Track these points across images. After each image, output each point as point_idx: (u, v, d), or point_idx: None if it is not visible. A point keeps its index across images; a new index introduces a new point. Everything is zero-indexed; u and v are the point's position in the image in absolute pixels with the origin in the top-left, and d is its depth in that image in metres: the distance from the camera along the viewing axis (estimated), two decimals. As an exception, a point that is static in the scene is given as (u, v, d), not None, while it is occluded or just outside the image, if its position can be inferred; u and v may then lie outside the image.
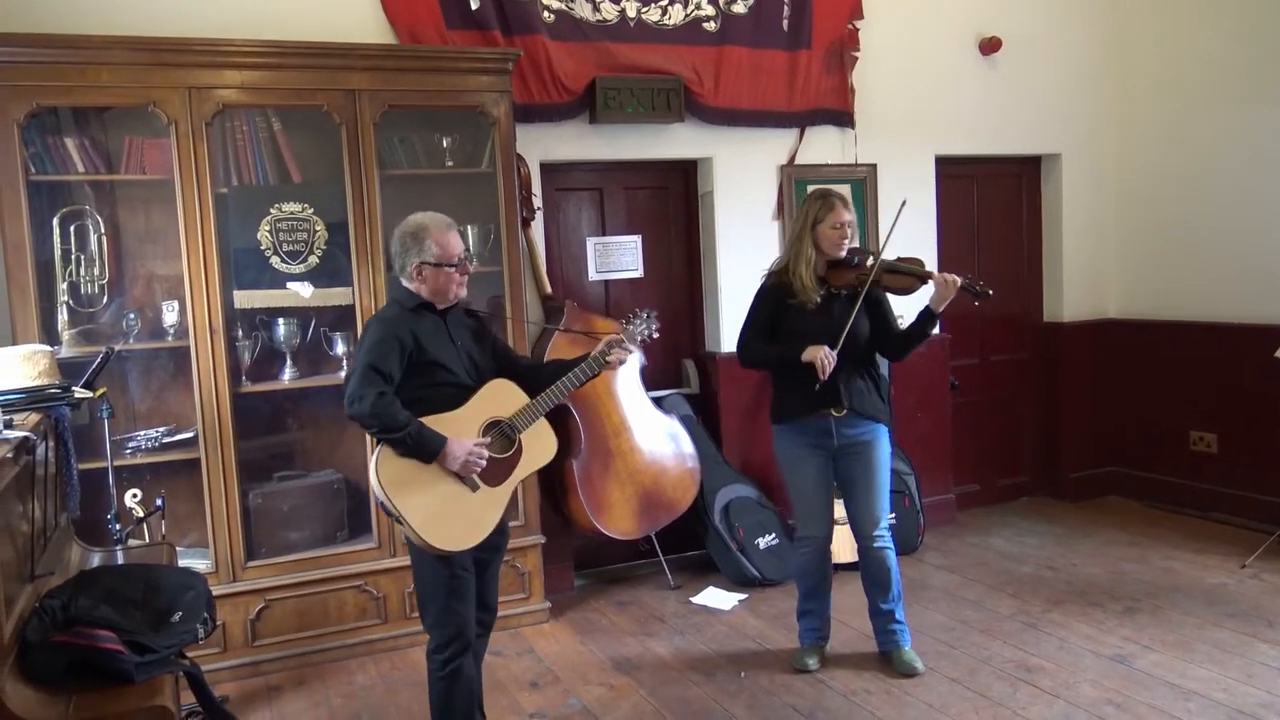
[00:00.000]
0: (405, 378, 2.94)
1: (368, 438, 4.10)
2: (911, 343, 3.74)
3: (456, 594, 3.02)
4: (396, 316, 2.99)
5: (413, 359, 2.95)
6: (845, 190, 5.26)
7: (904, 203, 3.78)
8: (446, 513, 2.93)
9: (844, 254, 3.68)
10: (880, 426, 3.74)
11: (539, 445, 3.19)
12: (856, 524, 3.80)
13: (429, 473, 2.92)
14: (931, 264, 5.51)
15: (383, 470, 2.86)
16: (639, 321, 3.35)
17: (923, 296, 3.70)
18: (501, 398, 3.12)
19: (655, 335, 3.39)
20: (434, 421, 2.92)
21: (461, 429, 2.97)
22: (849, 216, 3.65)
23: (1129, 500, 6.05)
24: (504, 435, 3.08)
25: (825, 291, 3.66)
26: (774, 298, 3.75)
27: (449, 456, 2.92)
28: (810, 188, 5.17)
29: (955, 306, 5.60)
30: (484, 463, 2.98)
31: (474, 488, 2.99)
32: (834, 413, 3.67)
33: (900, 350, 3.79)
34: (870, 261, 3.65)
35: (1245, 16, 5.33)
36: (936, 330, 3.60)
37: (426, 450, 2.89)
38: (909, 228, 5.42)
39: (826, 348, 3.52)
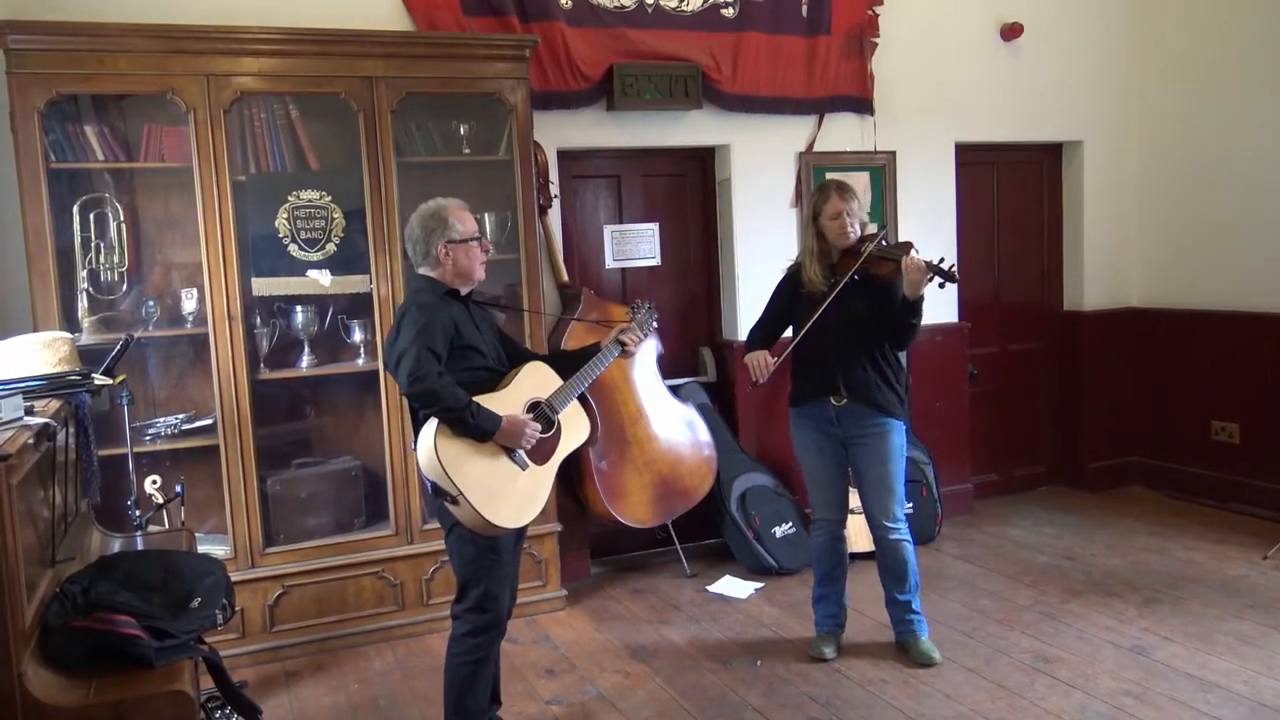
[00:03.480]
0: (446, 363, 2.96)
1: (386, 429, 4.13)
2: (898, 331, 3.65)
3: (500, 579, 3.07)
4: (434, 303, 3.00)
5: (453, 344, 2.99)
6: (862, 179, 5.26)
7: (883, 229, 3.84)
8: (502, 491, 2.97)
9: (851, 242, 3.65)
10: (889, 420, 3.69)
11: (576, 425, 3.27)
12: (868, 515, 3.81)
13: (482, 452, 2.95)
14: (950, 253, 5.48)
15: (443, 449, 2.87)
16: (642, 310, 3.47)
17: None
18: (539, 379, 3.19)
19: (655, 325, 3.52)
20: (481, 401, 2.96)
21: (508, 408, 3.02)
22: (844, 205, 3.62)
23: (1149, 490, 6.00)
24: (544, 415, 3.13)
25: (834, 280, 3.65)
26: (789, 287, 3.79)
27: (507, 433, 2.96)
28: (826, 176, 5.18)
29: (974, 293, 5.66)
30: (535, 439, 3.04)
31: (524, 466, 3.04)
32: (834, 401, 3.68)
33: (895, 339, 3.70)
34: (866, 248, 3.61)
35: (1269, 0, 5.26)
36: (940, 282, 3.49)
37: (485, 428, 2.91)
38: (928, 216, 5.42)
39: (765, 353, 3.60)
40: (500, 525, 2.93)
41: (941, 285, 3.52)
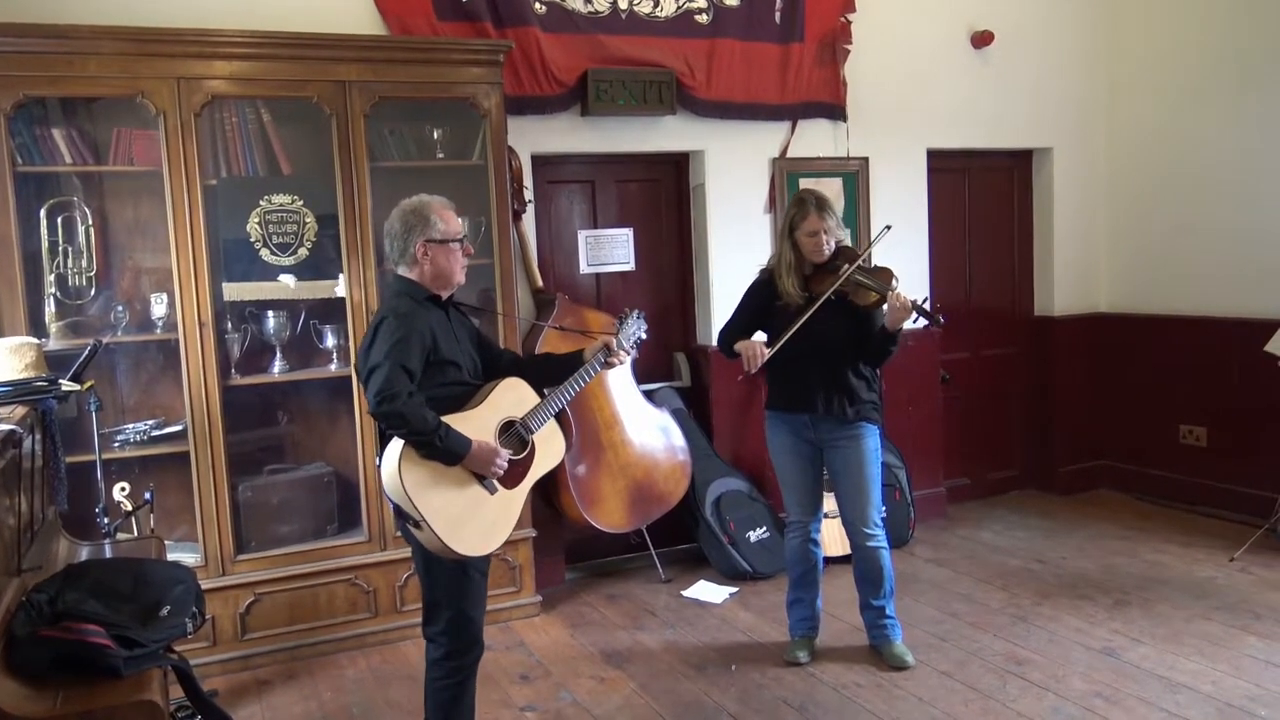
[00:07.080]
0: (421, 378, 2.80)
1: (360, 435, 4.11)
2: (876, 356, 3.71)
3: (473, 600, 2.92)
4: (413, 312, 2.82)
5: (429, 359, 2.82)
6: (835, 185, 5.30)
7: (887, 227, 3.81)
8: (468, 517, 2.81)
9: (825, 258, 3.66)
10: (864, 425, 3.72)
11: (550, 447, 3.11)
12: (845, 521, 3.83)
13: (448, 476, 2.79)
14: (922, 264, 5.54)
15: (407, 473, 2.71)
16: (630, 322, 3.31)
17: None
18: (514, 398, 3.01)
19: (645, 336, 3.35)
20: (452, 421, 2.78)
21: (479, 429, 2.84)
22: (821, 224, 3.61)
23: (1119, 494, 6.07)
24: (518, 436, 2.98)
25: (808, 294, 3.66)
26: (764, 293, 3.78)
27: (475, 458, 2.79)
28: (800, 184, 5.20)
29: (946, 299, 5.70)
30: (505, 465, 2.88)
31: (492, 491, 2.88)
32: (809, 413, 3.71)
33: (872, 360, 3.74)
34: (845, 269, 3.62)
35: (1235, 9, 5.34)
36: (924, 323, 3.57)
37: (454, 452, 2.75)
38: (900, 221, 5.44)
39: (760, 343, 3.57)
40: (463, 554, 2.77)
41: (927, 325, 3.56)
